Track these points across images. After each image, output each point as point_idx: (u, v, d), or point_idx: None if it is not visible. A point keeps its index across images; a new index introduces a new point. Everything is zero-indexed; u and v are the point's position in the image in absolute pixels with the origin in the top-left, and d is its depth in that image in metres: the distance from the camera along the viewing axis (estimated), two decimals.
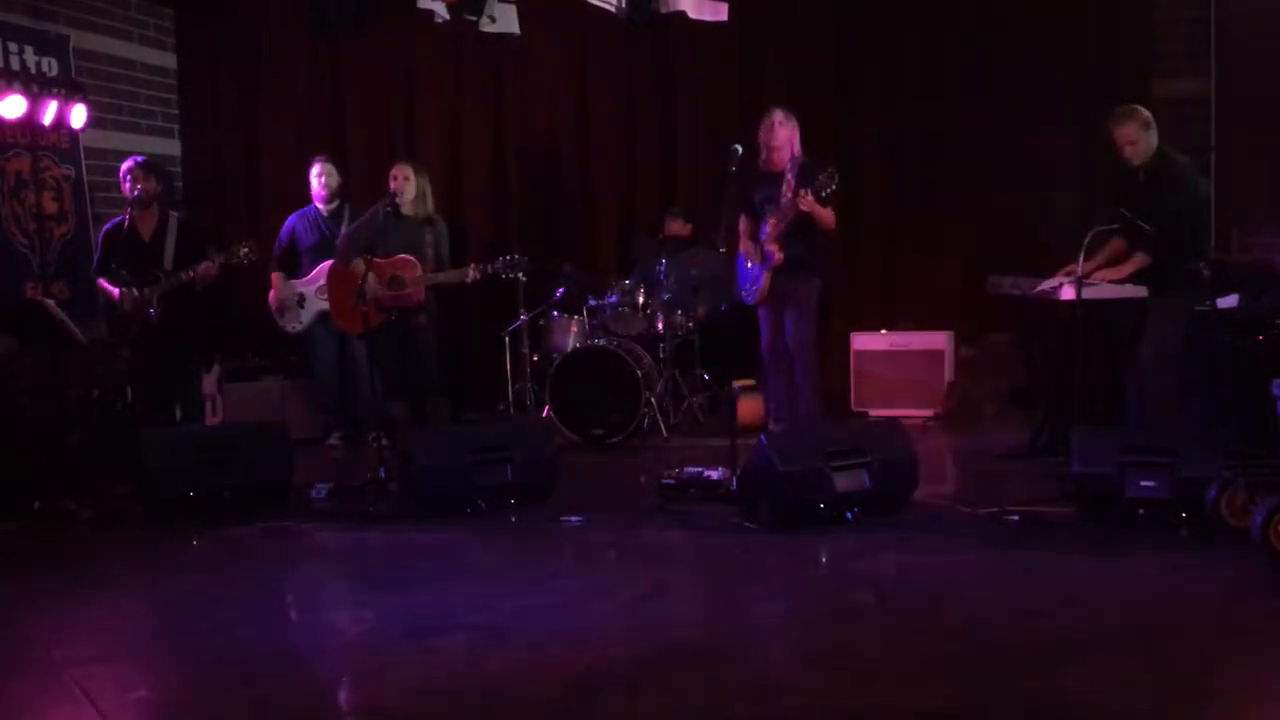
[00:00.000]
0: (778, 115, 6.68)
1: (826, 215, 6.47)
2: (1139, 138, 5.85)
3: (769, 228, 6.61)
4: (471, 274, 6.90)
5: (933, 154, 8.14)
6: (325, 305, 7.44)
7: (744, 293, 6.90)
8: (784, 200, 6.52)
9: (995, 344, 7.81)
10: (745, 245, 6.83)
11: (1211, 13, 7.38)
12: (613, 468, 6.65)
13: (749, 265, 6.81)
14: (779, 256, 6.55)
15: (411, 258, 6.84)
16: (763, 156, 6.73)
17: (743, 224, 6.87)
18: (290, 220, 7.71)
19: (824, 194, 6.34)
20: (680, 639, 3.70)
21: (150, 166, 6.87)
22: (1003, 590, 4.06)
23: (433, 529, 5.16)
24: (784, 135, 6.65)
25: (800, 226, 6.50)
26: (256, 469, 5.64)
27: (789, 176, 6.57)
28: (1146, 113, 5.90)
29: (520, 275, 7.26)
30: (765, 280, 6.65)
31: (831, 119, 8.17)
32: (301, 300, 7.56)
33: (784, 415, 6.95)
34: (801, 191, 6.37)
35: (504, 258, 6.97)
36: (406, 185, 6.99)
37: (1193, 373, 5.82)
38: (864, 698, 3.18)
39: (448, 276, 6.97)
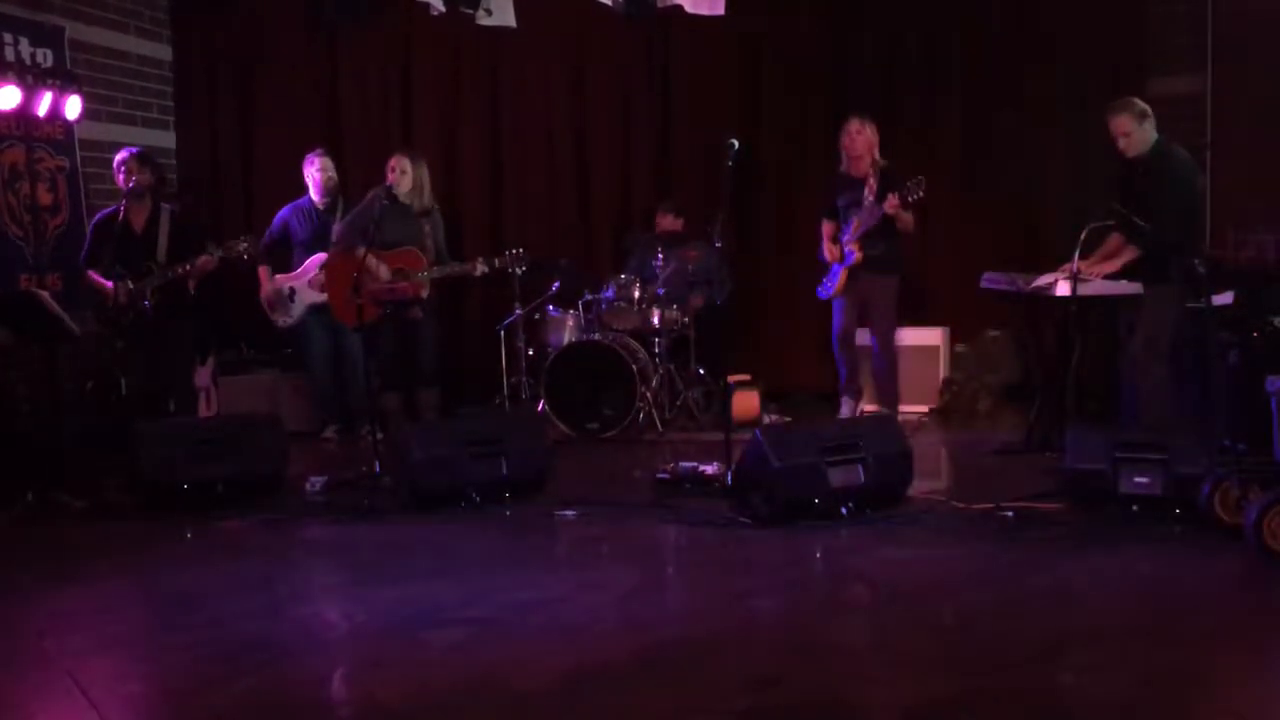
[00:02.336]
0: (854, 124, 6.99)
1: (908, 219, 6.87)
2: (1133, 129, 5.84)
3: (852, 229, 6.97)
4: (479, 268, 6.95)
5: (929, 150, 8.13)
6: (316, 298, 7.44)
7: (821, 288, 7.22)
8: (867, 203, 6.89)
9: (990, 340, 7.83)
10: (828, 248, 7.15)
11: (1208, 10, 7.38)
12: (607, 462, 6.65)
13: (830, 262, 7.17)
14: (858, 255, 6.94)
15: (415, 250, 6.86)
16: (843, 163, 7.09)
17: (826, 228, 7.21)
18: (283, 212, 7.68)
19: (911, 199, 6.68)
20: (674, 633, 3.70)
21: (144, 158, 6.85)
22: (997, 585, 4.06)
23: (427, 522, 5.16)
24: (862, 143, 6.97)
25: (881, 228, 6.87)
26: (250, 462, 5.64)
27: (871, 181, 6.93)
28: (1142, 104, 5.89)
29: (519, 269, 7.22)
30: (841, 277, 7.04)
31: (827, 114, 8.16)
32: (292, 294, 7.55)
33: (854, 393, 7.31)
34: (890, 196, 6.71)
35: (510, 252, 7.02)
36: (403, 178, 7.01)
37: (1187, 369, 5.83)
38: (858, 692, 3.18)
39: (455, 270, 7.02)
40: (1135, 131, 5.83)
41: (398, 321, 6.93)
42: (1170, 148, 5.92)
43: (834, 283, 7.11)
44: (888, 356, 7.18)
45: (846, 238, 7.02)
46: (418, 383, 7.20)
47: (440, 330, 7.38)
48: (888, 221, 6.84)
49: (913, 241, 7.21)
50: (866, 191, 6.95)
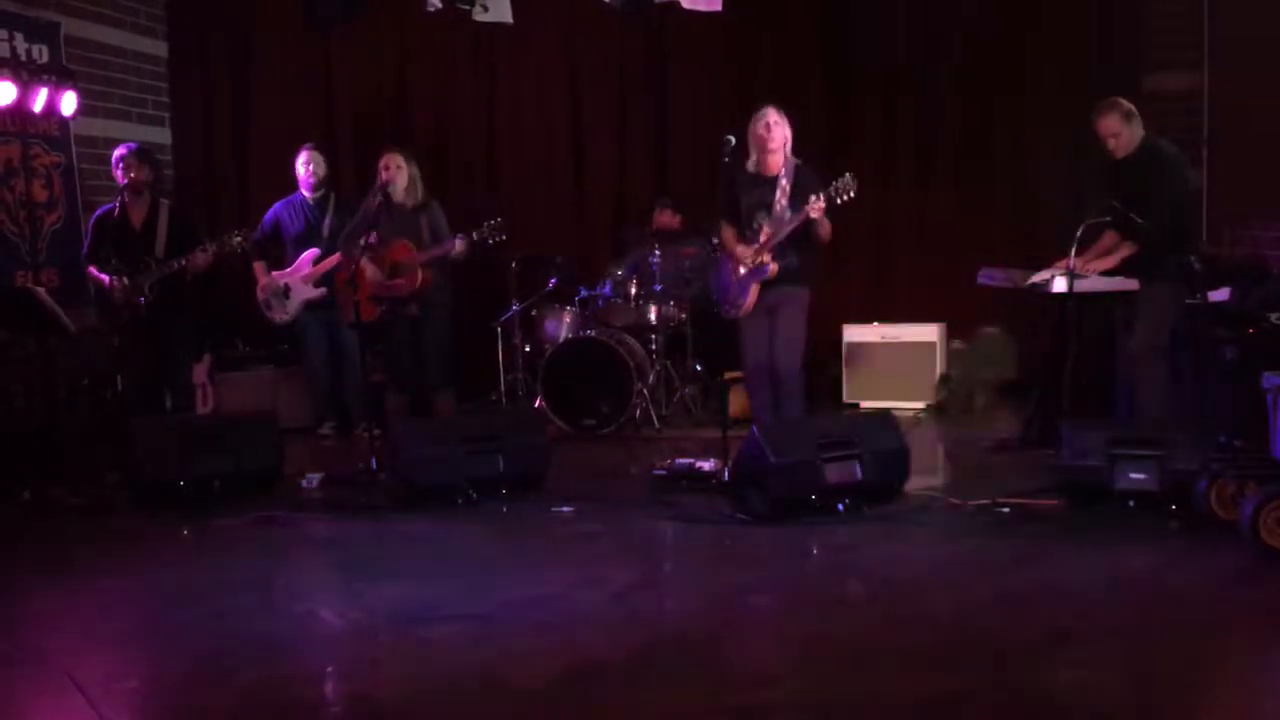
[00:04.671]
0: (771, 115, 6.07)
1: (828, 227, 5.94)
2: (1120, 129, 5.85)
3: (762, 236, 6.04)
4: (459, 245, 6.78)
5: (925, 146, 8.15)
6: (312, 295, 7.43)
7: (727, 306, 6.27)
8: (778, 208, 6.01)
9: (987, 336, 7.83)
10: (736, 253, 6.14)
11: (1205, 6, 7.38)
12: (604, 458, 6.65)
13: (736, 277, 6.17)
14: (773, 268, 5.99)
15: (405, 242, 6.81)
16: (754, 158, 6.14)
17: (727, 232, 6.24)
18: (275, 207, 7.67)
19: (840, 200, 5.82)
20: (671, 629, 3.71)
21: (143, 154, 6.84)
22: (993, 582, 4.06)
23: (423, 519, 5.16)
24: (779, 136, 6.07)
25: (795, 237, 5.97)
26: (247, 458, 5.63)
27: (783, 183, 6.04)
28: (1128, 104, 5.89)
29: (499, 239, 6.98)
30: (753, 294, 6.07)
31: (824, 110, 8.17)
32: (287, 291, 7.54)
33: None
34: (814, 198, 5.80)
35: (488, 223, 6.73)
36: (399, 174, 6.95)
37: (1183, 365, 5.84)
38: (853, 688, 3.19)
39: (436, 252, 6.83)
40: (1124, 131, 5.84)
41: (401, 320, 6.90)
42: (1159, 143, 5.93)
43: (746, 296, 6.08)
44: (793, 382, 6.14)
45: (756, 245, 6.07)
46: (427, 384, 7.05)
47: (455, 331, 7.21)
48: (803, 229, 5.92)
49: (827, 253, 6.29)
50: (778, 194, 6.03)
